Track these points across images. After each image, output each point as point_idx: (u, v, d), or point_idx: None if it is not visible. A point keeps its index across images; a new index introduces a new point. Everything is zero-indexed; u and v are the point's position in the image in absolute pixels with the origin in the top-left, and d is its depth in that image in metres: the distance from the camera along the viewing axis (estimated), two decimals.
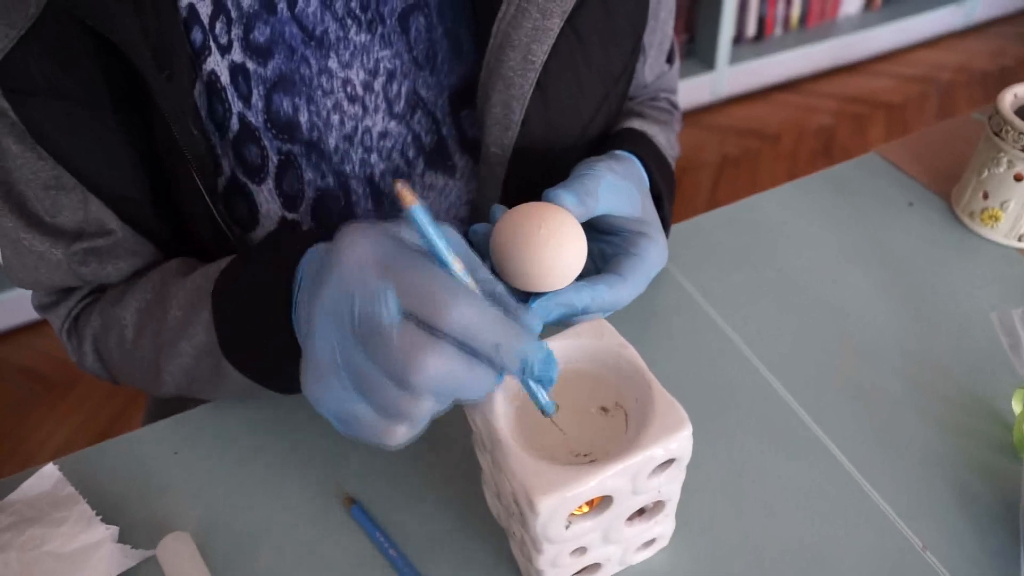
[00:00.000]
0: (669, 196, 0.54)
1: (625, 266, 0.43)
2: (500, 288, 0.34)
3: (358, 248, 0.31)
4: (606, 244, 0.46)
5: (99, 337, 0.52)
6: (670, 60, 0.64)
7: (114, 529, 0.45)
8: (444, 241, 0.32)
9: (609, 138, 0.56)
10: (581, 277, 0.42)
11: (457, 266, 0.32)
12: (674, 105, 0.66)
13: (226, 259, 0.46)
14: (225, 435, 0.51)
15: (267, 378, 0.44)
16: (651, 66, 0.60)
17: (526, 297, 0.41)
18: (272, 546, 0.45)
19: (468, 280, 0.32)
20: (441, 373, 0.29)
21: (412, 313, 0.30)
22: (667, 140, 0.59)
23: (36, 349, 1.53)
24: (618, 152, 0.50)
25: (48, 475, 0.49)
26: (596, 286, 0.41)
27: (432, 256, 0.32)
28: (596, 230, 0.46)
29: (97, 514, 0.46)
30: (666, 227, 0.52)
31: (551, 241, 0.37)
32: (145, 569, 0.44)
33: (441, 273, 0.30)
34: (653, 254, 0.44)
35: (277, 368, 0.42)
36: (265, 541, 0.46)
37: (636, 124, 0.56)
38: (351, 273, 0.31)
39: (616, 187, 0.44)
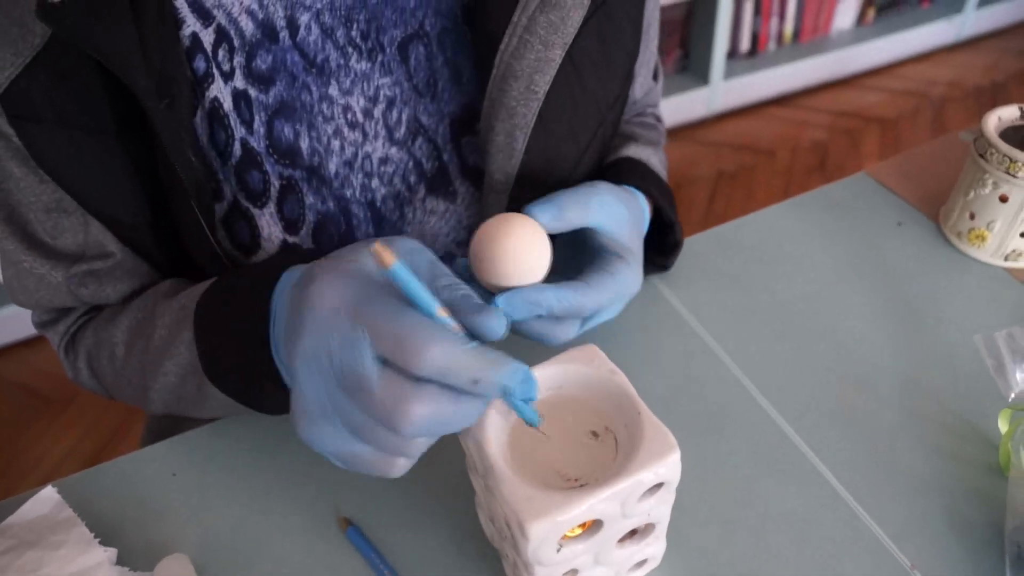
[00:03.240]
0: (674, 214, 0.57)
1: (593, 277, 0.44)
2: (465, 291, 0.34)
3: (327, 295, 0.32)
4: (587, 265, 0.47)
5: (92, 354, 0.53)
6: (655, 77, 0.66)
7: (112, 551, 0.46)
8: (429, 294, 0.32)
9: (611, 166, 0.57)
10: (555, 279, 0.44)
11: (440, 313, 0.32)
12: (658, 119, 0.68)
13: (211, 280, 0.47)
14: (223, 457, 0.52)
15: (248, 399, 0.45)
16: (640, 84, 0.62)
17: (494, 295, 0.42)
18: (269, 567, 0.46)
19: (449, 321, 0.33)
20: (427, 417, 0.31)
21: (387, 358, 0.31)
22: (660, 161, 0.61)
23: (33, 365, 1.53)
24: (627, 186, 0.52)
25: (46, 498, 0.49)
26: (561, 289, 0.42)
27: (401, 293, 0.32)
28: (582, 248, 0.48)
29: (95, 536, 0.46)
30: (678, 245, 0.58)
31: (512, 239, 0.40)
32: None
33: (411, 314, 0.31)
34: (625, 275, 0.46)
35: (258, 389, 0.42)
36: (262, 562, 0.46)
37: (632, 151, 0.58)
38: (324, 321, 0.32)
39: (611, 207, 0.45)
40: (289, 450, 0.52)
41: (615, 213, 0.46)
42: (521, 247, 0.40)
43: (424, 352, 0.30)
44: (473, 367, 0.31)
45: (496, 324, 0.33)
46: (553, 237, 0.43)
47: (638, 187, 0.54)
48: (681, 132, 2.02)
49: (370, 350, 0.31)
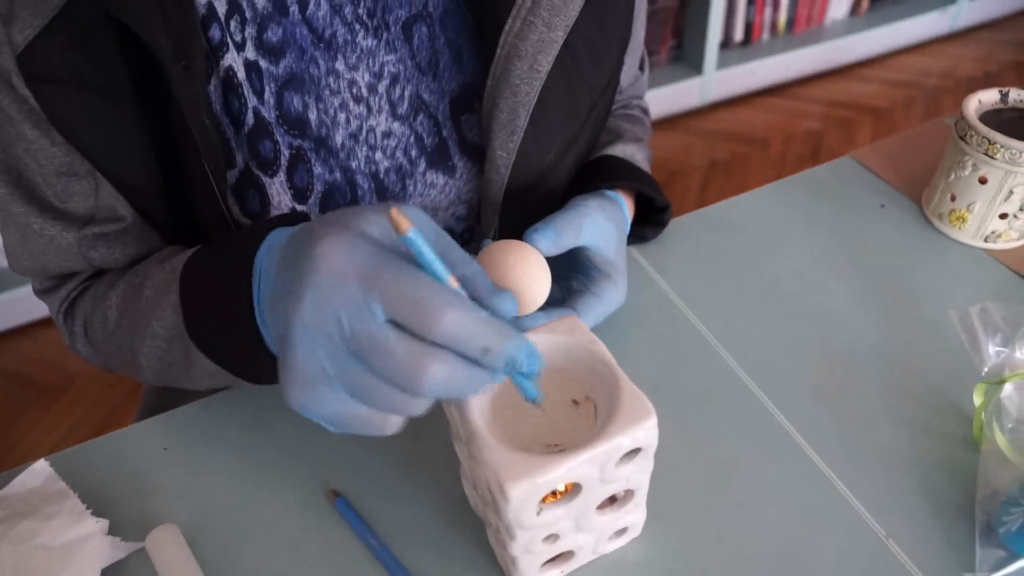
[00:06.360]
0: (661, 199, 0.60)
1: (582, 304, 0.51)
2: (477, 268, 0.35)
3: (335, 257, 0.31)
4: (576, 280, 0.53)
5: (88, 319, 0.54)
6: (641, 68, 0.68)
7: (104, 522, 0.47)
8: (441, 262, 0.32)
9: (600, 164, 0.59)
10: (548, 305, 0.50)
11: (452, 282, 0.32)
12: (644, 111, 0.70)
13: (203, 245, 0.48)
14: (213, 432, 0.52)
15: (230, 362, 0.45)
16: (625, 72, 0.63)
17: None
18: (259, 538, 0.47)
19: (461, 292, 0.33)
20: (444, 378, 0.30)
21: (399, 322, 0.31)
22: (644, 157, 0.64)
23: (25, 354, 1.53)
24: (609, 193, 0.55)
25: (39, 471, 0.50)
26: (552, 318, 0.48)
27: (412, 259, 0.32)
28: (572, 263, 0.53)
29: (88, 508, 0.47)
30: (666, 220, 0.63)
31: (519, 270, 0.44)
32: (134, 561, 0.46)
33: (426, 279, 0.31)
34: (612, 296, 0.52)
35: (239, 351, 0.42)
36: (252, 533, 0.47)
37: (619, 150, 0.61)
38: (331, 285, 0.31)
39: (600, 227, 0.51)
40: (278, 425, 0.52)
41: (604, 232, 0.51)
42: (530, 279, 0.44)
43: (440, 316, 0.30)
44: (485, 335, 0.31)
45: (510, 306, 0.34)
46: None
47: (625, 187, 0.58)
48: (674, 122, 2.02)
49: (382, 313, 0.31)
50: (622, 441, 0.35)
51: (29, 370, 1.51)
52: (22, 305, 1.53)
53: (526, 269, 0.44)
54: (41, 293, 0.57)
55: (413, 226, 0.31)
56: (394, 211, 0.30)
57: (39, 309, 1.55)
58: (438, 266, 0.32)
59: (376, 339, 0.30)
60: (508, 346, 0.31)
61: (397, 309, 0.30)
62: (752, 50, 2.05)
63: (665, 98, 1.96)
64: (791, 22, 2.10)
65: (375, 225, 0.33)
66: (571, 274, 0.54)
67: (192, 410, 0.54)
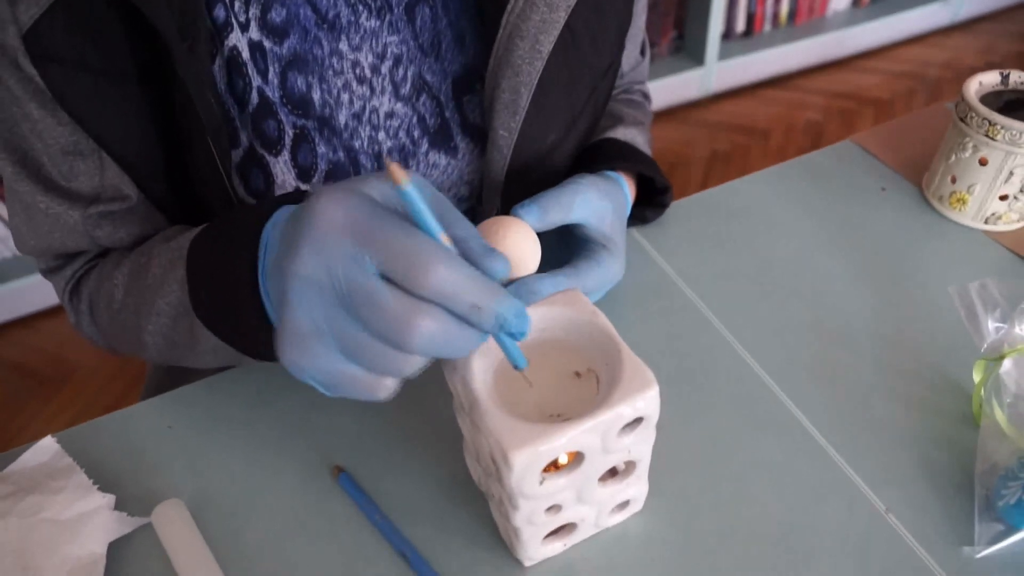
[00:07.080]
0: (662, 179, 0.61)
1: (582, 266, 0.51)
2: (472, 230, 0.35)
3: (331, 213, 0.32)
4: (576, 256, 0.53)
5: (94, 298, 0.54)
6: (643, 53, 0.69)
7: (110, 497, 0.47)
8: (434, 219, 0.32)
9: (601, 147, 0.60)
10: (550, 267, 0.50)
11: (444, 239, 0.32)
12: (646, 96, 0.71)
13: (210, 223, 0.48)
14: (218, 410, 0.53)
15: (234, 337, 0.45)
16: (626, 56, 0.64)
17: None
18: (263, 513, 0.47)
19: (452, 249, 0.33)
20: (435, 333, 0.31)
21: (391, 277, 0.31)
22: (645, 140, 0.65)
23: (27, 345, 1.54)
24: (609, 174, 0.56)
25: (46, 447, 0.50)
26: (556, 276, 0.48)
27: (408, 217, 0.32)
28: (570, 244, 0.54)
29: (94, 484, 0.48)
30: (667, 202, 0.64)
31: (507, 241, 0.45)
32: (140, 536, 0.46)
33: (419, 235, 0.31)
34: (610, 264, 0.52)
35: (243, 325, 0.43)
36: (256, 509, 0.47)
37: (620, 133, 0.61)
38: (327, 239, 0.31)
39: (594, 204, 0.51)
40: (282, 403, 0.53)
41: (598, 208, 0.51)
42: (515, 247, 0.45)
43: (431, 270, 0.30)
44: (476, 292, 0.31)
45: (502, 267, 0.34)
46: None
47: (626, 168, 0.58)
48: (676, 113, 2.02)
49: (374, 267, 0.31)
50: (624, 410, 0.36)
51: (30, 361, 1.51)
52: (23, 296, 1.53)
53: (515, 242, 0.45)
54: (47, 273, 0.57)
55: (410, 180, 0.31)
56: (393, 165, 0.31)
57: (40, 300, 1.56)
58: (432, 223, 0.32)
59: (367, 293, 0.31)
60: (498, 305, 0.32)
61: (389, 263, 0.31)
62: (754, 41, 2.05)
63: (666, 89, 1.96)
64: (793, 13, 2.09)
65: (375, 188, 0.34)
66: (569, 247, 0.54)
67: (197, 389, 0.55)
